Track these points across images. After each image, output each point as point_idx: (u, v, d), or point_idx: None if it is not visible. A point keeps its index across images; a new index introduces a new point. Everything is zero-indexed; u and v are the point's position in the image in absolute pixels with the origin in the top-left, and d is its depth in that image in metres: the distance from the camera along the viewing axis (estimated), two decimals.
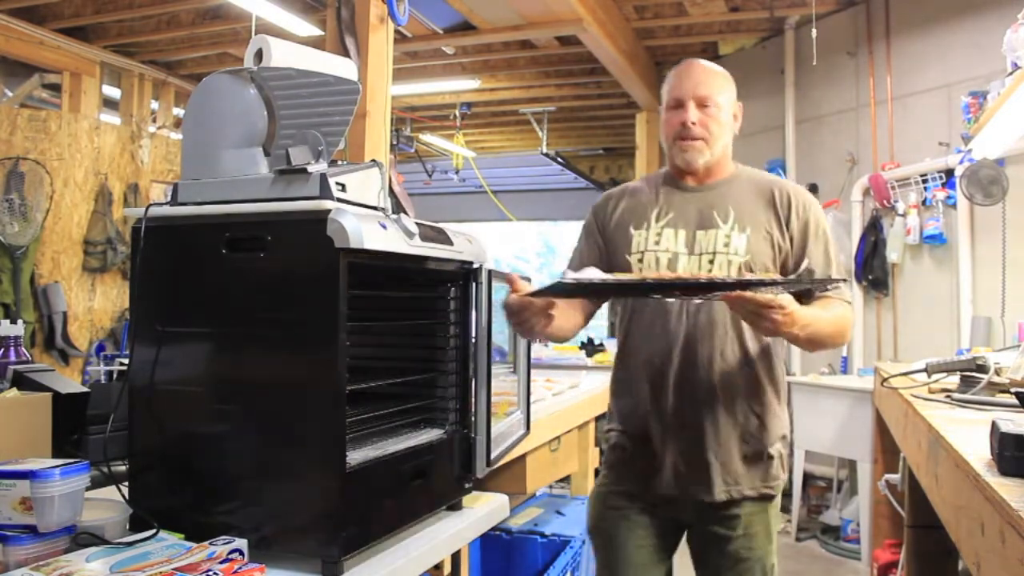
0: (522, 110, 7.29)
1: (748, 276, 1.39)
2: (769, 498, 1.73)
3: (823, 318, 1.57)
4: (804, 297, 1.59)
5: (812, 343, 1.63)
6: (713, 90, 1.71)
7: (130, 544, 1.13)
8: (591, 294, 1.73)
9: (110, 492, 1.33)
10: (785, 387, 1.78)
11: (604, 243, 1.83)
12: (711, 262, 1.67)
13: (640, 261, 1.73)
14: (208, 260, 1.27)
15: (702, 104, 1.69)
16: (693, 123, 1.69)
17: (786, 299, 1.41)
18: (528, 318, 1.51)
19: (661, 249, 1.71)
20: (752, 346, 1.69)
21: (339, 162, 1.44)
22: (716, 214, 1.70)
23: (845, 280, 1.68)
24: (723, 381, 1.68)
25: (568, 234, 9.78)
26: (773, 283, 1.39)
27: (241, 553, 1.13)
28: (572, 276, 1.31)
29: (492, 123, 8.03)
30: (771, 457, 1.71)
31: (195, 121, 1.41)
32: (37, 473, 1.09)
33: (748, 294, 1.38)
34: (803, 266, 1.58)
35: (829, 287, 1.65)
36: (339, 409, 1.18)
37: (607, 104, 7.00)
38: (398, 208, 1.41)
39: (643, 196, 1.81)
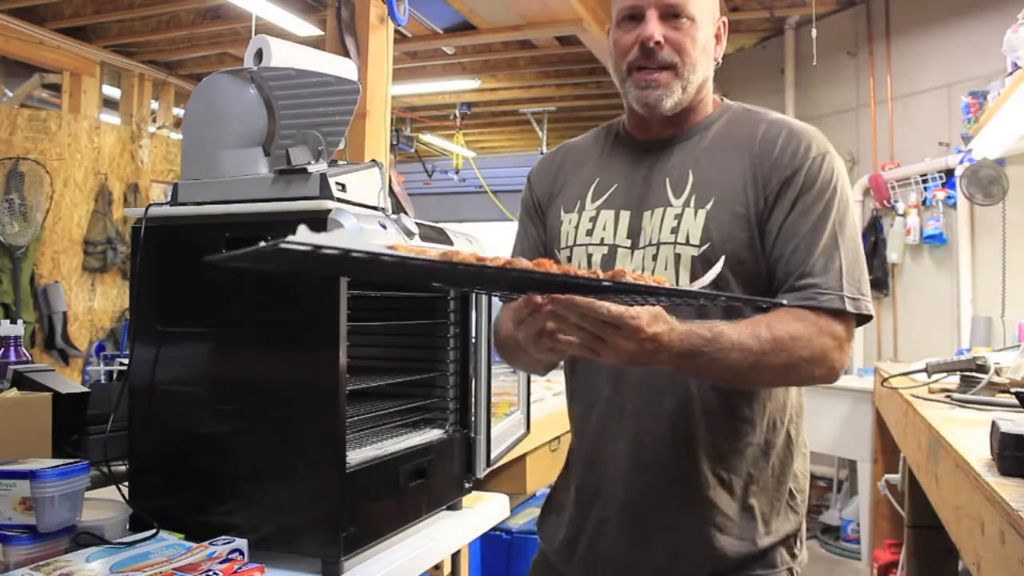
0: (522, 110, 7.29)
1: (626, 278, 0.78)
2: None
3: (741, 345, 0.98)
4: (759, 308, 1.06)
5: (722, 380, 1.04)
6: None
7: (130, 544, 1.13)
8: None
9: (110, 492, 1.33)
10: (800, 435, 1.19)
11: (544, 227, 1.29)
12: (654, 258, 1.12)
13: (569, 260, 1.21)
14: None
15: (670, 14, 1.11)
16: (657, 42, 1.10)
17: (645, 314, 0.88)
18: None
19: (594, 241, 1.18)
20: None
21: (339, 162, 1.44)
22: (669, 183, 1.14)
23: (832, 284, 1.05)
24: (683, 426, 1.12)
25: None
26: (672, 293, 0.83)
27: (241, 553, 1.13)
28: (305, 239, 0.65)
29: (492, 123, 8.04)
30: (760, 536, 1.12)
31: (195, 121, 1.41)
32: (37, 473, 1.09)
33: (581, 300, 0.85)
34: (716, 267, 0.95)
35: (812, 298, 1.05)
36: (339, 409, 1.18)
37: (607, 104, 6.99)
38: (398, 208, 1.41)
39: (582, 161, 1.28)
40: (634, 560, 1.14)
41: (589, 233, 1.19)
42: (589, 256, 1.18)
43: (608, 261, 1.16)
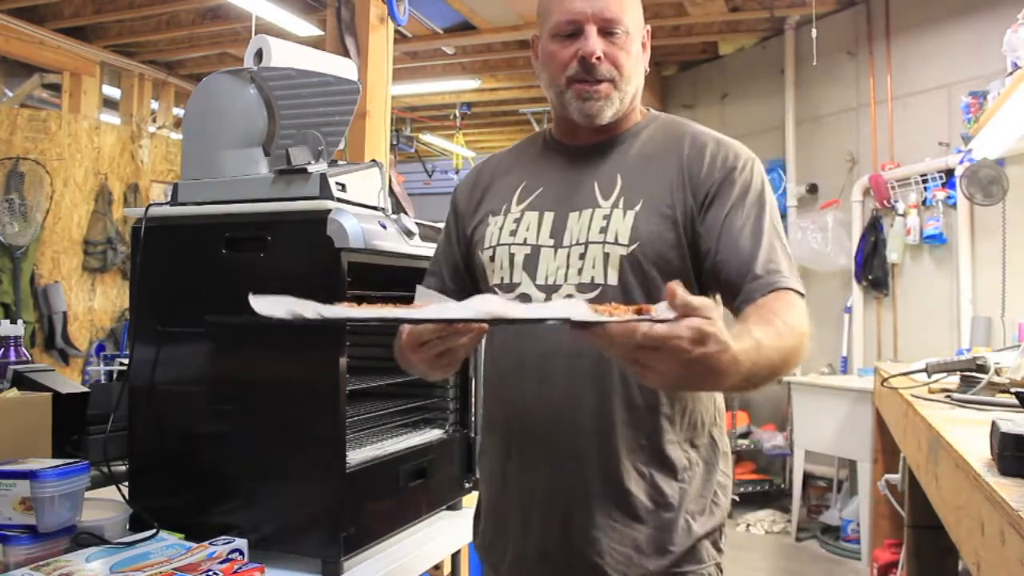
0: (522, 110, 7.29)
1: (574, 307, 0.78)
2: None
3: (775, 346, 0.95)
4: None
5: (758, 386, 0.97)
6: (621, 9, 1.16)
7: (130, 544, 1.13)
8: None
9: (110, 492, 1.33)
10: (722, 436, 1.23)
11: (465, 240, 1.30)
12: (582, 257, 1.15)
13: (492, 260, 1.23)
14: (208, 260, 1.28)
15: (607, 30, 1.15)
16: (598, 58, 1.14)
17: (687, 331, 0.79)
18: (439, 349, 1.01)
19: (517, 241, 1.20)
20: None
21: (339, 162, 1.44)
22: (597, 186, 1.18)
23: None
24: (601, 432, 1.13)
25: None
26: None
27: (241, 553, 1.13)
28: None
29: (492, 123, 8.03)
30: (673, 528, 1.13)
31: (195, 121, 1.41)
32: (37, 473, 1.09)
33: (616, 328, 0.79)
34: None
35: (779, 281, 1.08)
36: (339, 409, 1.18)
37: None
38: (398, 208, 1.40)
39: (507, 169, 1.31)
40: (560, 558, 1.15)
41: (513, 233, 1.21)
42: (511, 256, 1.20)
43: (531, 260, 1.19)
